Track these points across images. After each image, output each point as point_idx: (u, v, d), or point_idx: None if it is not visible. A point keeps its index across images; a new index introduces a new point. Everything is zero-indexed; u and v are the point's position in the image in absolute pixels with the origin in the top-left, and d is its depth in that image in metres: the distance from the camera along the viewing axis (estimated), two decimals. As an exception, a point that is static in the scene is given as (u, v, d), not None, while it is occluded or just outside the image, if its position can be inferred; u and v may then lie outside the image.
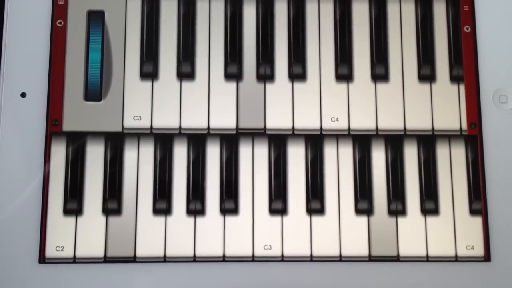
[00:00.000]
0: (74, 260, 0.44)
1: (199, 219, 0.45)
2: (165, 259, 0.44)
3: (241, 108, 0.46)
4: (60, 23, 0.47)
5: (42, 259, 0.44)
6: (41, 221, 0.44)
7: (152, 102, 0.46)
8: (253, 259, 0.44)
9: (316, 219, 0.45)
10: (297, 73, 0.47)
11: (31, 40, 0.46)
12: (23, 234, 0.44)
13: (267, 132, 0.46)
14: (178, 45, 0.47)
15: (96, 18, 0.47)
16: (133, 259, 0.44)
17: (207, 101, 0.46)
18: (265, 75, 0.47)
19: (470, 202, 0.46)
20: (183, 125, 0.46)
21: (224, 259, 0.44)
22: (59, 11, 0.47)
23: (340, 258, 0.45)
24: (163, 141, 0.46)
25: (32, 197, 0.44)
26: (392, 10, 0.48)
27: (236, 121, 0.46)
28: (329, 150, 0.46)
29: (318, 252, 0.45)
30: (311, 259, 0.45)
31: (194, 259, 0.44)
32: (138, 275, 0.44)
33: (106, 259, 0.44)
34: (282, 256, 0.45)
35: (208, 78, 0.47)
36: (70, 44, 0.47)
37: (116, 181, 0.45)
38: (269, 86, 0.47)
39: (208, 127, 0.46)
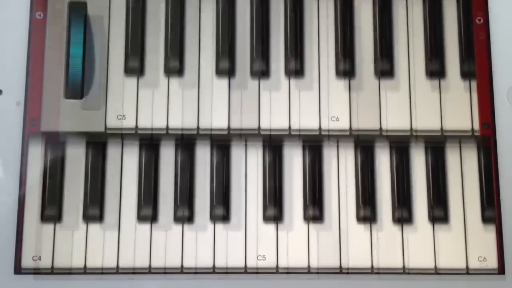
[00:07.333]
0: (52, 271, 0.43)
1: (187, 227, 0.44)
2: (150, 271, 0.43)
3: (233, 107, 0.45)
4: (39, 15, 0.46)
5: (18, 269, 0.43)
6: (17, 229, 0.43)
7: (138, 100, 0.45)
8: (245, 270, 0.43)
9: (314, 227, 0.44)
10: (294, 69, 0.46)
11: (8, 33, 0.45)
12: (-3, 242, 0.43)
13: (261, 132, 0.45)
14: (165, 38, 0.46)
15: (77, 10, 0.46)
16: (116, 271, 0.43)
17: (197, 99, 0.45)
18: (260, 71, 0.46)
19: (483, 210, 0.44)
20: (171, 125, 0.45)
21: (214, 270, 0.43)
22: (38, 3, 0.46)
23: (340, 270, 0.43)
24: (149, 142, 0.45)
25: (8, 202, 0.43)
26: None
27: (228, 121, 0.45)
28: (328, 152, 0.45)
29: (316, 264, 0.43)
30: (309, 270, 0.43)
31: (182, 270, 0.43)
32: (121, 288, 0.43)
33: (87, 270, 0.43)
34: (277, 267, 0.43)
35: (198, 74, 0.46)
36: (49, 38, 0.46)
37: (98, 186, 0.44)
38: (263, 83, 0.46)
39: (198, 127, 0.45)
